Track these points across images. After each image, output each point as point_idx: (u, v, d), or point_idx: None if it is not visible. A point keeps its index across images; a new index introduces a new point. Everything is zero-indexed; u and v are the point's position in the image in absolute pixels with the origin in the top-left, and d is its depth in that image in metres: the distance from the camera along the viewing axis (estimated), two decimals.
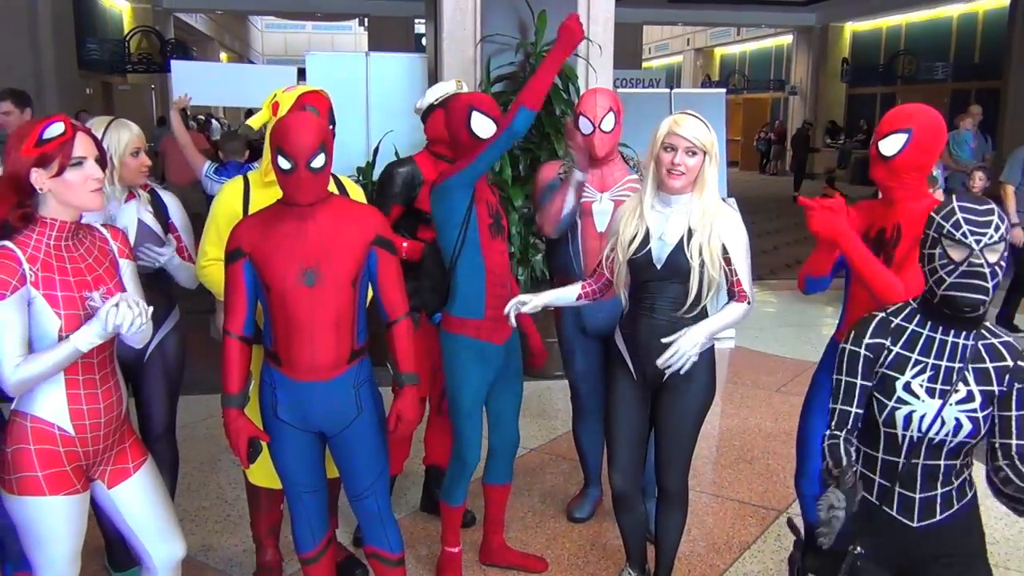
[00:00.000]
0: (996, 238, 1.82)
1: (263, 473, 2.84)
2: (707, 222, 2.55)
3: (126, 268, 2.25)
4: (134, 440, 2.32)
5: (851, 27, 21.71)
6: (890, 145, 2.46)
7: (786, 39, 24.40)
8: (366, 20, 22.57)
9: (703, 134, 2.52)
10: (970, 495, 2.00)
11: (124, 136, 2.85)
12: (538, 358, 3.21)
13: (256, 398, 2.55)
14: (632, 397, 2.72)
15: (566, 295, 2.80)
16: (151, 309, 2.04)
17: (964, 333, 1.91)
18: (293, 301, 2.33)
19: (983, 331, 1.91)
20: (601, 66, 5.53)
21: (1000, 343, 1.91)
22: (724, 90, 7.50)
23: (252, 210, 2.76)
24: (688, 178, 2.54)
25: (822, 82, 22.26)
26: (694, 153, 2.52)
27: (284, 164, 2.28)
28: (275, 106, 2.74)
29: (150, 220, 2.91)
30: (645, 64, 26.09)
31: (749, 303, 2.61)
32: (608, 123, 3.13)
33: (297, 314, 2.34)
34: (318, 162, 2.29)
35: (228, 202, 2.78)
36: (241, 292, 2.39)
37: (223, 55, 27.91)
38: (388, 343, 2.49)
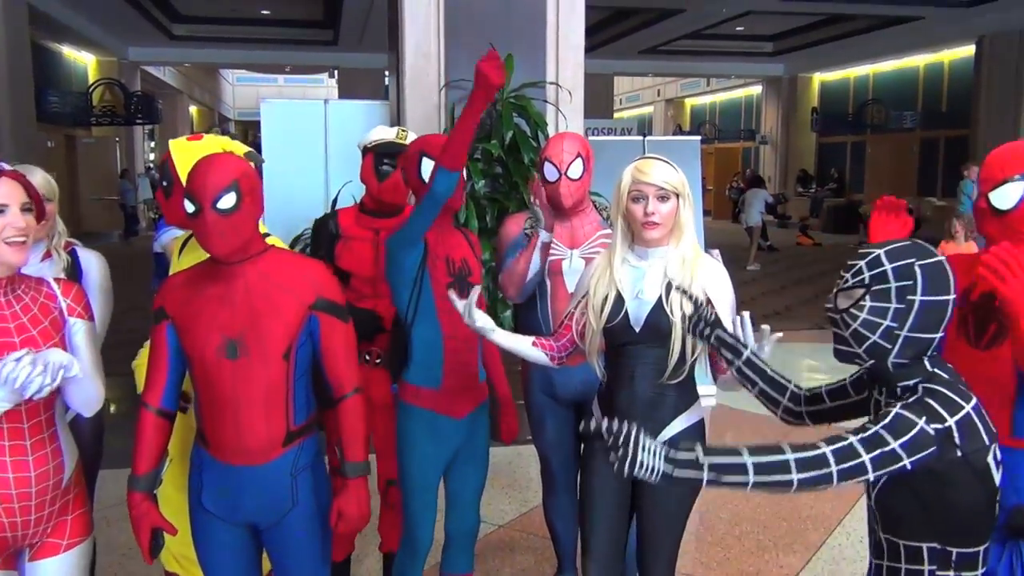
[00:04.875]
0: (851, 282, 1.65)
1: (183, 560, 2.50)
2: (687, 272, 2.25)
3: (77, 328, 2.00)
4: (81, 514, 2.05)
5: (819, 77, 21.90)
6: (1006, 196, 2.03)
7: (755, 89, 24.59)
8: (336, 72, 22.46)
9: (671, 176, 2.24)
10: None
11: None
12: (507, 433, 2.86)
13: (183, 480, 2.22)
14: (610, 480, 2.38)
15: (520, 344, 2.42)
16: (70, 367, 1.79)
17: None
18: (214, 375, 2.02)
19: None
20: (571, 112, 5.30)
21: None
22: (699, 137, 7.30)
23: (181, 265, 2.46)
24: (665, 227, 2.25)
25: (792, 131, 22.37)
26: (666, 198, 2.23)
27: (188, 207, 1.98)
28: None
29: None
30: (617, 114, 26.18)
31: None
32: (576, 170, 2.83)
33: (219, 390, 2.03)
34: (226, 202, 1.95)
35: (173, 255, 2.56)
36: (163, 358, 2.10)
37: (192, 109, 27.67)
38: (338, 426, 2.16)
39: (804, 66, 21.21)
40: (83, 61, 18.29)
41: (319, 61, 21.30)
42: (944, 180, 17.80)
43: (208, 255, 2.07)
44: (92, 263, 2.69)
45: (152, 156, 24.03)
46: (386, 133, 3.07)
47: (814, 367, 6.62)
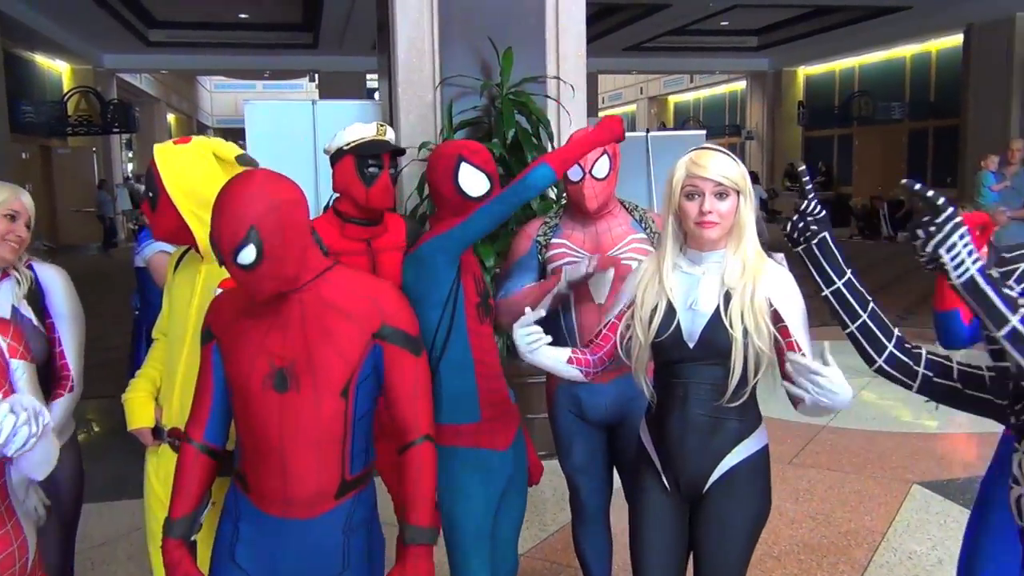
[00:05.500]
0: None
1: None
2: (748, 280, 1.97)
3: (21, 372, 1.76)
4: None
5: (804, 71, 21.76)
6: None
7: (739, 85, 24.45)
8: (316, 76, 22.15)
9: (731, 169, 1.96)
10: None
11: None
12: (535, 470, 2.56)
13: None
14: (665, 512, 2.11)
15: (558, 361, 2.13)
16: (43, 414, 1.51)
17: None
18: (259, 409, 1.74)
19: None
20: (575, 108, 5.02)
21: None
22: (704, 131, 7.06)
23: (173, 284, 2.23)
24: (724, 226, 1.98)
25: (778, 126, 22.23)
26: (725, 195, 1.96)
27: (244, 257, 1.68)
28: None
29: (29, 311, 2.27)
30: (601, 113, 26.00)
31: None
32: (601, 168, 2.55)
33: (264, 427, 1.74)
34: (246, 257, 1.66)
35: (168, 272, 2.30)
36: (208, 384, 1.85)
37: (170, 116, 27.23)
38: (399, 475, 1.85)
39: (789, 60, 21.07)
40: (57, 69, 17.90)
41: (299, 65, 21.01)
42: (934, 170, 17.70)
43: None
44: (55, 282, 2.39)
45: (131, 166, 23.59)
46: (365, 130, 2.67)
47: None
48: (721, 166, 1.95)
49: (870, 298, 1.64)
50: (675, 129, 25.48)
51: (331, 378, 1.74)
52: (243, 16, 15.49)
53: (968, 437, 5.10)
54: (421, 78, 4.94)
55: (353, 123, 2.74)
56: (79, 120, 17.08)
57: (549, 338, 2.07)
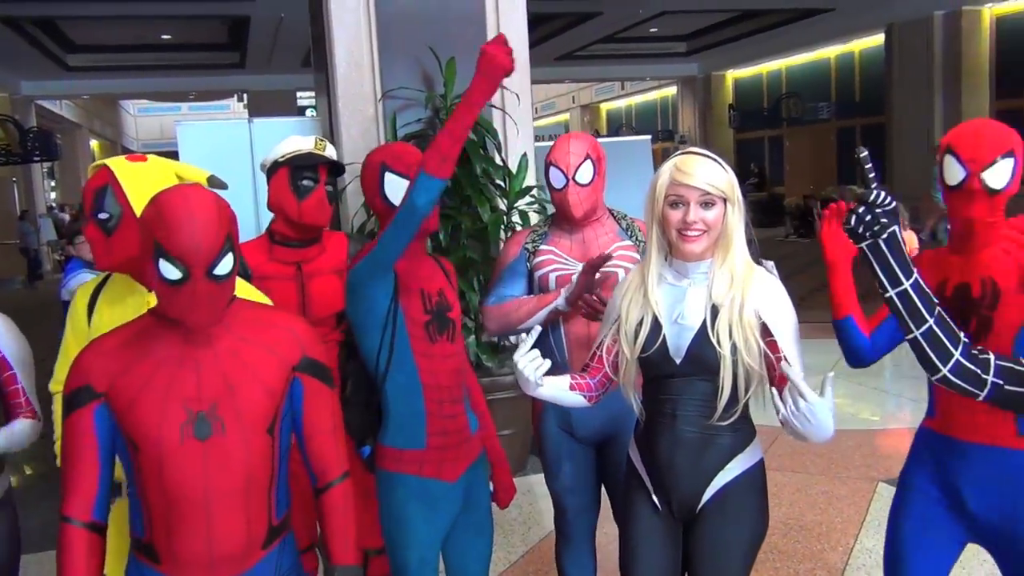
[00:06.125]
0: None
1: None
2: (736, 292, 1.88)
3: None
4: None
5: (732, 74, 22.10)
6: (1000, 175, 1.88)
7: (670, 90, 24.73)
8: (245, 96, 21.72)
9: (718, 176, 1.87)
10: None
11: None
12: (503, 494, 2.44)
13: None
14: (657, 534, 2.01)
15: (560, 390, 2.02)
16: None
17: None
18: (179, 463, 1.56)
19: None
20: (521, 117, 4.93)
21: None
22: (649, 137, 7.03)
23: (101, 324, 1.97)
24: (710, 237, 1.88)
25: (710, 129, 22.51)
26: (711, 204, 1.87)
27: (170, 272, 1.51)
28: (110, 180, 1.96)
29: None
30: (535, 123, 26.05)
31: None
32: (585, 174, 2.47)
33: (185, 483, 1.56)
34: (224, 267, 1.54)
35: (76, 311, 2.03)
36: (88, 455, 1.59)
37: (93, 142, 26.41)
38: (319, 520, 1.72)
39: (718, 64, 21.39)
40: None
41: (227, 85, 20.56)
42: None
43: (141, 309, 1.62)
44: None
45: (54, 195, 22.78)
46: (301, 143, 2.56)
47: None
48: (708, 173, 1.85)
49: (936, 301, 1.54)
50: (608, 136, 25.68)
51: (257, 415, 1.61)
52: (166, 37, 15.06)
53: None
54: (361, 92, 4.79)
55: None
56: None
57: (548, 363, 1.94)
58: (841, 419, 5.42)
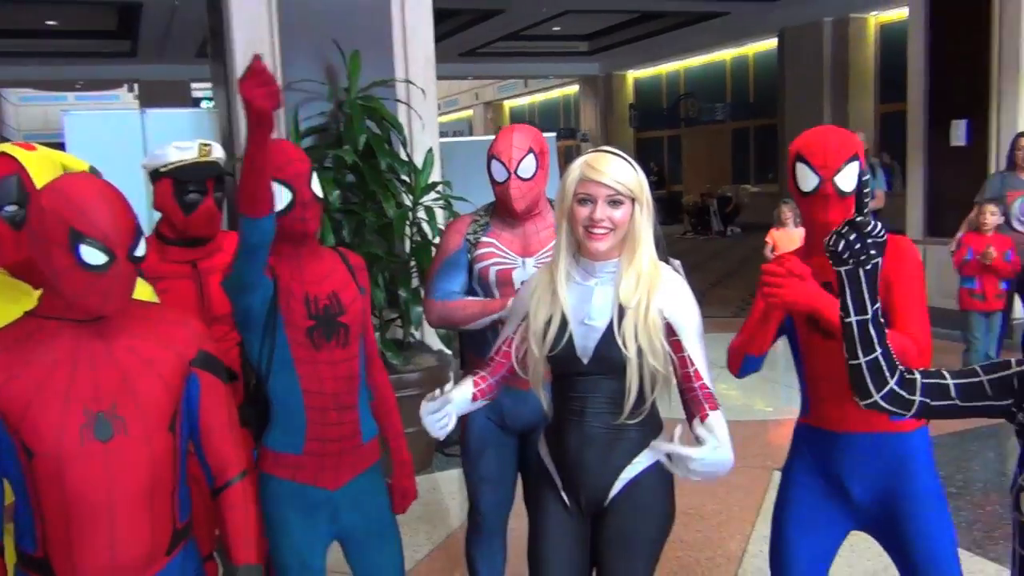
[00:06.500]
0: None
1: None
2: (642, 293, 1.90)
3: None
4: None
5: (633, 74, 22.50)
6: (849, 178, 1.98)
7: (572, 89, 25.01)
8: (136, 86, 20.91)
9: (627, 175, 1.89)
10: None
11: None
12: (399, 499, 2.35)
13: None
14: (565, 528, 2.02)
15: (463, 408, 2.03)
16: None
17: None
18: (80, 468, 1.49)
19: None
20: (427, 112, 4.90)
21: None
22: (555, 133, 7.10)
23: None
24: (616, 236, 1.90)
25: (611, 128, 22.86)
26: (618, 202, 1.89)
27: (94, 257, 1.45)
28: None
29: None
30: (439, 119, 25.94)
31: (718, 409, 1.92)
32: (527, 168, 2.46)
33: (87, 489, 1.49)
34: (141, 248, 1.52)
35: None
36: None
37: None
38: (218, 520, 1.68)
39: (618, 64, 21.73)
40: None
41: (116, 75, 19.77)
42: (756, 168, 18.76)
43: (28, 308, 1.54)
44: None
45: None
46: (184, 152, 2.44)
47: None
48: (616, 171, 1.87)
49: (885, 332, 1.58)
50: None
51: (159, 412, 1.57)
52: (51, 23, 14.33)
53: None
54: None
55: (188, 133, 2.52)
56: None
57: (455, 418, 1.95)
58: (736, 411, 5.62)
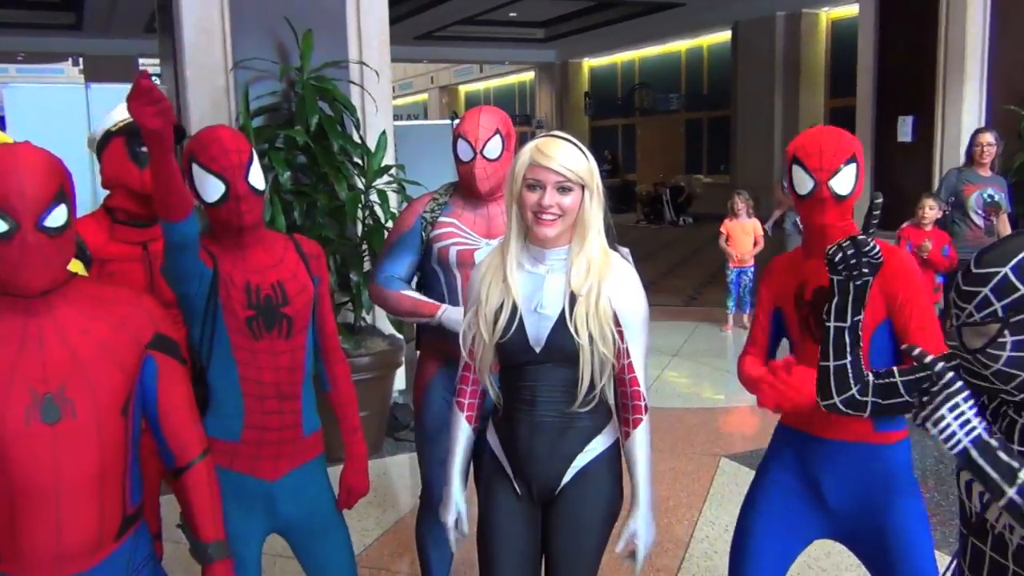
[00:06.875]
0: (978, 317, 1.34)
1: None
2: (593, 281, 1.90)
3: None
4: None
5: (588, 63, 22.56)
6: (845, 181, 1.98)
7: (528, 75, 24.98)
8: (80, 60, 20.35)
9: (577, 162, 1.88)
10: None
11: None
12: (344, 494, 2.28)
13: None
14: (515, 517, 2.02)
15: (463, 441, 2.11)
16: None
17: None
18: (24, 451, 1.44)
19: None
20: (380, 94, 4.85)
21: None
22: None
23: None
24: (564, 222, 1.89)
25: (566, 115, 22.90)
26: (568, 189, 1.87)
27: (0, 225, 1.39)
28: None
29: None
30: (394, 102, 25.68)
31: (646, 411, 2.00)
32: (493, 148, 2.45)
33: (31, 471, 1.45)
34: (56, 218, 1.45)
35: None
36: None
37: None
38: (180, 501, 1.67)
39: (574, 52, 21.76)
40: None
41: (60, 48, 19.18)
42: (709, 158, 18.95)
43: None
44: None
45: None
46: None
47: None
48: (566, 157, 1.86)
49: (860, 343, 1.67)
50: None
51: (113, 396, 1.53)
52: None
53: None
54: (211, 61, 4.58)
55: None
56: None
57: (465, 529, 2.10)
58: (685, 398, 5.70)
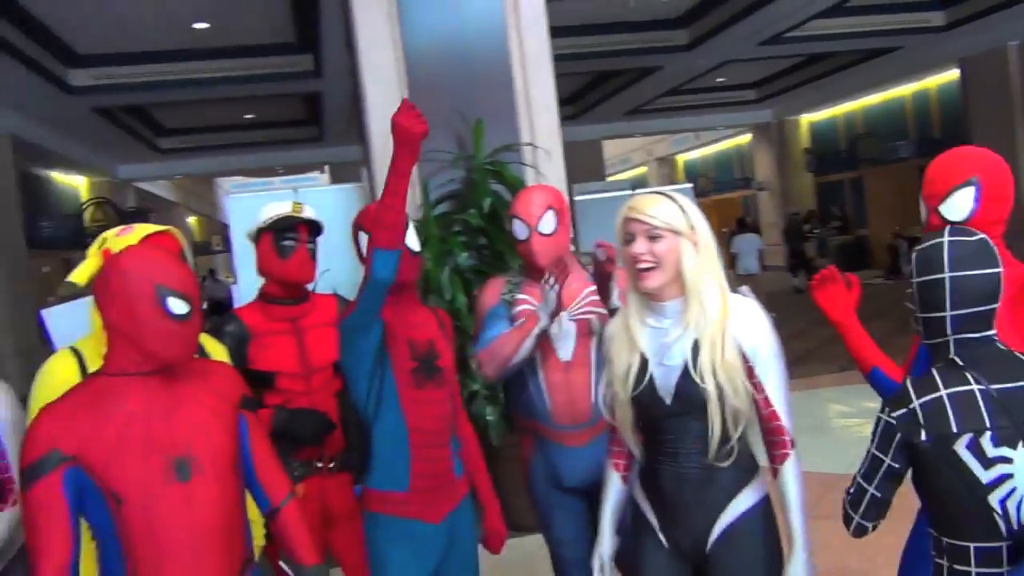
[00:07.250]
0: None
1: None
2: (715, 329, 1.89)
3: None
4: None
5: (807, 118, 21.83)
6: (957, 206, 1.97)
7: (745, 138, 24.55)
8: (327, 168, 22.57)
9: (668, 211, 1.91)
10: None
11: None
12: (493, 538, 2.50)
13: None
14: (662, 571, 2.02)
15: (613, 495, 2.17)
16: None
17: None
18: (163, 508, 1.66)
19: None
20: (552, 173, 5.04)
21: None
22: (690, 185, 7.07)
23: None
24: (665, 272, 1.91)
25: (788, 174, 22.20)
26: (658, 236, 1.90)
27: (180, 307, 1.69)
28: (106, 252, 2.16)
29: None
30: (610, 178, 26.12)
31: (792, 446, 1.93)
32: (547, 224, 2.56)
33: (171, 526, 1.67)
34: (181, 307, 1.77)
35: (57, 387, 2.03)
36: (60, 520, 1.63)
37: (191, 218, 27.81)
38: (278, 537, 1.88)
39: (790, 109, 21.17)
40: (74, 184, 18.35)
41: (308, 159, 21.40)
42: None
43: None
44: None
45: None
46: (280, 208, 2.77)
47: (842, 411, 6.24)
48: (654, 207, 1.91)
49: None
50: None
51: (227, 453, 1.76)
52: (248, 116, 15.88)
53: None
54: None
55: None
56: (97, 230, 17.43)
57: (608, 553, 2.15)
58: None
